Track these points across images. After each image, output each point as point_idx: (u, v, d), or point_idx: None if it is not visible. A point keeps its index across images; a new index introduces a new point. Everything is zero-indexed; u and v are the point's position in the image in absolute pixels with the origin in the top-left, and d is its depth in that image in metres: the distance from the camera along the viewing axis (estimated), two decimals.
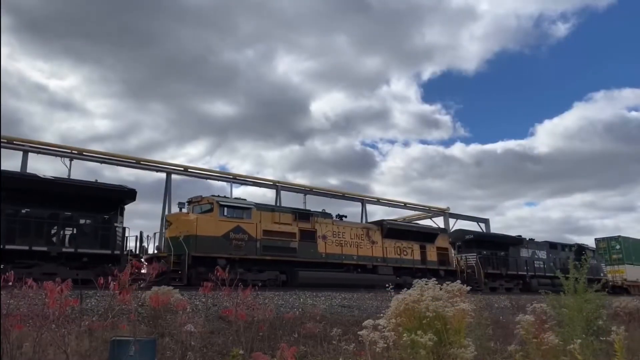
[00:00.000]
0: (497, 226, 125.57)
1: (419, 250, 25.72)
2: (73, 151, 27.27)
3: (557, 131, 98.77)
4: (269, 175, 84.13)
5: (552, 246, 33.88)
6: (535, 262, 31.75)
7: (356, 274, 22.36)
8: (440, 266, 26.16)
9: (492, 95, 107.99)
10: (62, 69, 79.39)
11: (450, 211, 44.45)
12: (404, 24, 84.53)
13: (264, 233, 20.06)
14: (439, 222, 43.24)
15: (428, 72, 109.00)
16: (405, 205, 42.77)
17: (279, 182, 35.54)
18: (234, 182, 33.23)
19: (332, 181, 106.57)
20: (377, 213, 57.09)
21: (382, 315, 6.20)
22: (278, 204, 33.38)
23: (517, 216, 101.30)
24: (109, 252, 16.30)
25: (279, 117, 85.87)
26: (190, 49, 74.07)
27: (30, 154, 25.80)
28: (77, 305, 9.13)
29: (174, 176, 31.00)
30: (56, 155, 26.79)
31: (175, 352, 8.34)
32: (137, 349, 5.92)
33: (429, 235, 27.04)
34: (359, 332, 6.02)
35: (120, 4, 68.46)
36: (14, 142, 25.73)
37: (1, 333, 4.04)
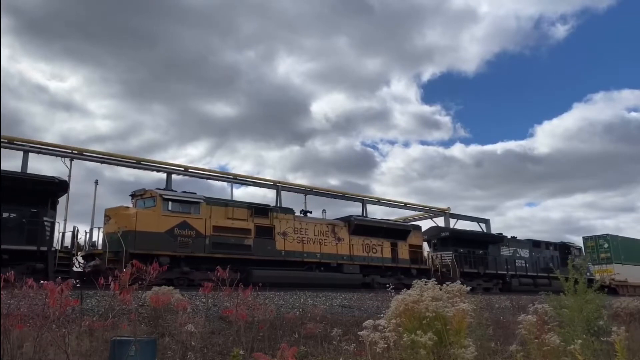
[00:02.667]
0: (498, 226, 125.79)
1: (389, 247, 24.63)
2: (73, 151, 27.18)
3: (556, 132, 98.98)
4: (270, 175, 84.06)
5: (535, 244, 32.70)
6: (516, 261, 30.59)
7: (318, 273, 21.24)
8: (412, 264, 25.07)
9: (492, 96, 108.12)
10: (63, 70, 79.50)
11: (451, 211, 44.41)
12: (404, 26, 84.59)
13: (214, 229, 18.88)
14: (439, 222, 43.19)
15: (428, 73, 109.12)
16: (405, 206, 42.68)
17: (279, 182, 35.47)
18: (234, 182, 33.16)
19: (333, 181, 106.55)
20: (377, 213, 57.11)
21: (382, 315, 6.20)
22: (279, 204, 33.38)
23: (518, 216, 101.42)
24: (34, 248, 14.92)
25: (279, 117, 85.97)
26: (191, 49, 74.14)
27: (30, 154, 25.74)
28: (77, 305, 9.13)
29: (174, 176, 30.89)
30: (56, 155, 26.73)
31: (176, 352, 8.34)
32: (138, 349, 5.92)
33: (400, 232, 25.88)
34: (359, 333, 6.02)
35: (120, 5, 68.52)
36: (15, 142, 25.68)
37: (1, 333, 4.03)
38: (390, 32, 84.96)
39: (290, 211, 22.27)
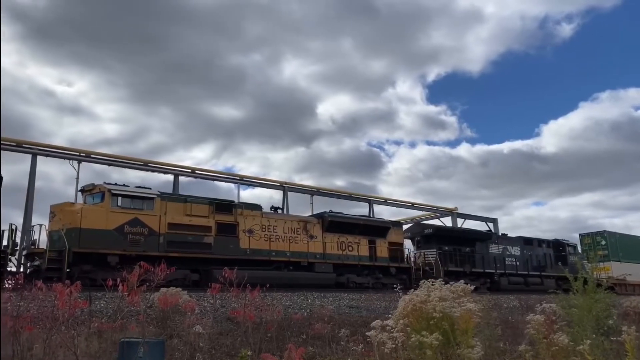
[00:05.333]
0: (505, 226, 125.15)
1: (366, 245, 23.39)
2: (81, 154, 27.41)
3: (563, 131, 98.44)
4: (276, 177, 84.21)
5: (526, 242, 31.43)
6: (506, 259, 29.34)
7: (286, 272, 20.04)
8: (391, 263, 23.90)
9: (498, 96, 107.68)
10: (71, 75, 79.98)
11: (459, 211, 44.29)
12: (410, 27, 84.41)
13: (169, 226, 17.68)
14: (447, 222, 43.10)
15: (433, 73, 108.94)
16: (412, 206, 42.63)
17: (285, 182, 35.54)
18: (241, 184, 33.25)
19: (339, 182, 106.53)
20: (384, 213, 57.02)
21: (390, 316, 6.19)
22: (285, 205, 33.39)
23: (525, 216, 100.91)
24: None
25: (285, 119, 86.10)
26: (198, 52, 74.35)
27: (39, 157, 25.98)
28: (86, 307, 9.18)
29: (181, 178, 31.07)
30: (64, 158, 26.96)
31: (184, 353, 8.37)
32: (146, 350, 5.94)
33: (379, 229, 24.53)
34: (367, 333, 6.01)
35: (126, 9, 68.85)
36: (23, 145, 25.92)
37: (1, 335, 4.03)
38: (395, 34, 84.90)
39: (257, 207, 21.00)
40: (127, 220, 16.89)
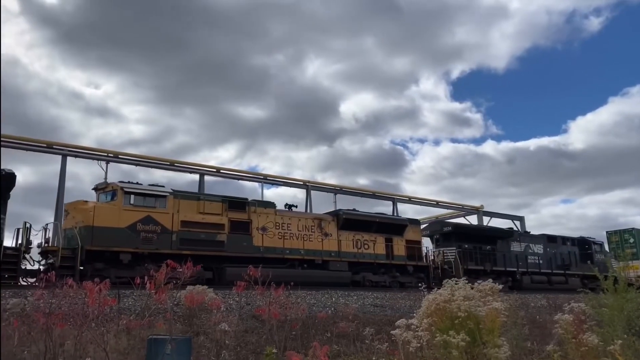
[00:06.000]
0: (533, 224, 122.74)
1: (383, 243, 22.98)
2: (109, 154, 27.98)
3: (591, 127, 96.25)
4: (299, 176, 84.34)
5: (550, 239, 30.61)
6: (528, 257, 28.61)
7: (300, 271, 19.60)
8: (409, 261, 23.44)
9: (524, 93, 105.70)
10: (98, 78, 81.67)
11: (485, 209, 43.72)
12: (433, 24, 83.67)
13: (182, 224, 17.65)
14: (472, 220, 42.61)
15: (457, 70, 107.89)
16: (437, 204, 42.27)
17: (309, 181, 35.63)
18: (265, 183, 33.48)
19: (362, 181, 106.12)
20: (408, 212, 56.61)
21: (414, 315, 6.16)
22: (308, 204, 33.47)
23: (553, 214, 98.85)
24: None
25: (308, 119, 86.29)
26: (222, 53, 75.10)
27: (68, 157, 26.61)
28: (115, 305, 9.37)
29: (206, 177, 31.46)
30: (93, 159, 27.57)
31: (210, 351, 8.47)
32: (174, 347, 6.02)
33: (396, 226, 24.08)
34: (391, 332, 6.00)
35: (150, 11, 69.89)
36: (53, 146, 26.58)
37: (47, 332, 4.16)
38: (418, 31, 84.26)
39: (270, 205, 20.90)
40: (140, 218, 16.88)
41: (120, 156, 28.68)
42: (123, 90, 79.58)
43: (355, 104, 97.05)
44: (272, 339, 9.20)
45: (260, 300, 10.97)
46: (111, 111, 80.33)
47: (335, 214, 22.82)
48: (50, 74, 75.78)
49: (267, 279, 9.48)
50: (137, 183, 18.05)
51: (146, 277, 7.42)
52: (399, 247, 23.49)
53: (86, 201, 17.23)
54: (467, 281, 6.16)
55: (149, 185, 18.40)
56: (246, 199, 20.51)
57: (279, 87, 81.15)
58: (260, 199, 21.07)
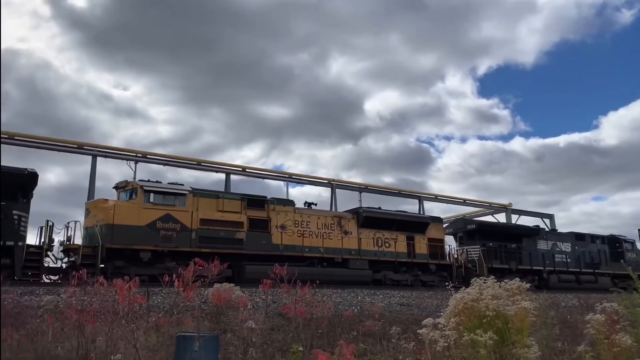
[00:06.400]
0: (563, 222, 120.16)
1: (404, 241, 22.72)
2: (137, 154, 28.49)
3: (624, 122, 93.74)
4: (323, 174, 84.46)
5: (578, 237, 29.85)
6: (556, 255, 27.92)
7: (320, 269, 19.42)
8: (431, 260, 23.07)
9: (553, 88, 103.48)
10: (126, 79, 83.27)
11: (513, 207, 43.00)
12: (459, 19, 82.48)
13: (201, 222, 17.73)
14: (501, 218, 41.95)
15: (484, 66, 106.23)
16: (464, 202, 41.76)
17: (333, 180, 35.62)
18: (290, 181, 33.62)
19: (387, 179, 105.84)
20: (434, 211, 56.14)
21: (441, 314, 6.11)
22: (333, 202, 33.46)
23: (584, 211, 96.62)
24: None
25: (332, 117, 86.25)
26: (247, 54, 75.62)
27: (98, 158, 27.19)
28: (144, 302, 9.54)
29: (232, 176, 31.74)
30: (122, 159, 28.11)
31: (238, 348, 8.55)
32: (202, 344, 6.09)
33: (418, 224, 23.80)
34: (418, 331, 5.95)
35: (177, 12, 70.83)
36: (84, 147, 27.20)
37: (81, 329, 4.26)
38: (444, 27, 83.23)
39: (289, 203, 20.94)
40: (159, 216, 17.00)
41: (148, 156, 29.17)
42: (151, 92, 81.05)
43: (380, 101, 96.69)
44: (299, 337, 9.23)
45: (286, 298, 11.02)
46: (139, 112, 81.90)
47: (355, 212, 22.70)
48: (80, 77, 77.66)
49: (293, 277, 9.50)
50: (157, 182, 18.21)
51: (174, 275, 7.53)
52: (421, 245, 23.28)
53: (106, 200, 17.49)
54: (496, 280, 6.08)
55: (169, 183, 18.55)
56: (265, 196, 20.49)
57: (303, 86, 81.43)
58: (278, 197, 21.08)
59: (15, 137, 25.27)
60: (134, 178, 24.74)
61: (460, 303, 5.71)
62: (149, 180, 18.03)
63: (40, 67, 72.80)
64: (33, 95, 69.83)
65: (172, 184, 18.66)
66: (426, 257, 23.19)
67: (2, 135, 24.95)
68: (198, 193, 18.53)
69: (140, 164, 28.06)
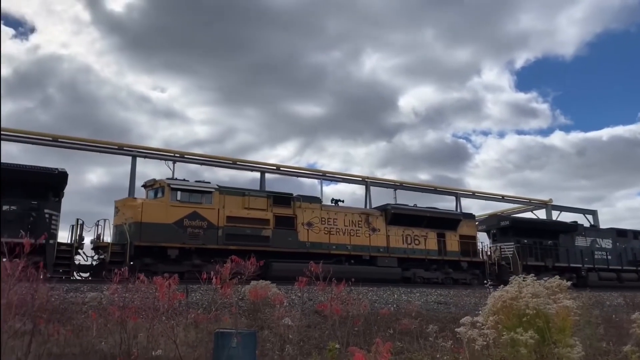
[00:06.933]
0: (606, 218, 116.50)
1: (435, 238, 22.36)
2: (175, 154, 29.10)
3: None
4: (357, 172, 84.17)
5: (620, 234, 28.60)
6: (595, 252, 26.88)
7: (347, 267, 19.18)
8: (463, 257, 22.57)
9: (595, 80, 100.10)
10: (163, 81, 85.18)
11: (553, 203, 41.84)
12: (496, 12, 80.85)
13: (227, 219, 17.83)
14: (541, 214, 40.89)
15: (522, 59, 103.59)
16: (503, 198, 40.88)
17: (368, 177, 35.46)
18: (324, 179, 33.68)
19: (423, 176, 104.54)
20: (472, 208, 55.13)
21: (479, 312, 6.01)
22: (367, 200, 33.33)
23: (629, 207, 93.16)
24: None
25: (366, 114, 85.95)
26: (280, 53, 76.11)
27: (138, 158, 27.90)
28: (183, 299, 9.73)
29: (267, 175, 32.03)
30: (160, 159, 28.78)
31: (275, 345, 8.62)
32: (239, 340, 6.17)
33: (449, 221, 23.37)
34: (456, 329, 5.88)
35: (211, 15, 71.87)
36: (124, 148, 27.97)
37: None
38: (480, 20, 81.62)
39: (316, 200, 20.86)
40: (187, 214, 17.18)
41: (186, 156, 29.75)
42: (187, 93, 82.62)
43: (415, 97, 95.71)
44: (335, 334, 9.25)
45: (322, 296, 11.05)
46: (177, 113, 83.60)
47: (384, 209, 22.46)
48: (119, 79, 79.84)
49: (328, 275, 9.51)
50: (184, 180, 18.44)
51: (212, 272, 7.66)
52: (452, 243, 22.90)
53: (135, 198, 17.94)
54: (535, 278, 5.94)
55: (195, 181, 18.75)
56: (291, 194, 20.50)
57: (336, 84, 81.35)
58: (304, 194, 20.93)
59: (59, 139, 26.22)
60: (172, 177, 25.26)
61: (499, 301, 5.61)
62: (176, 179, 18.32)
63: (81, 71, 75.26)
64: (75, 99, 72.29)
65: (198, 181, 18.81)
66: (458, 255, 22.82)
67: (46, 138, 25.96)
68: (224, 190, 18.68)
69: (178, 164, 28.66)
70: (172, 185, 17.52)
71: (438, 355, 7.54)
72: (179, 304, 8.59)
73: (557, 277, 6.09)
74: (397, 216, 21.89)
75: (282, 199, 19.65)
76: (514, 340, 5.05)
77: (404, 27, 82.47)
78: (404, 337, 10.03)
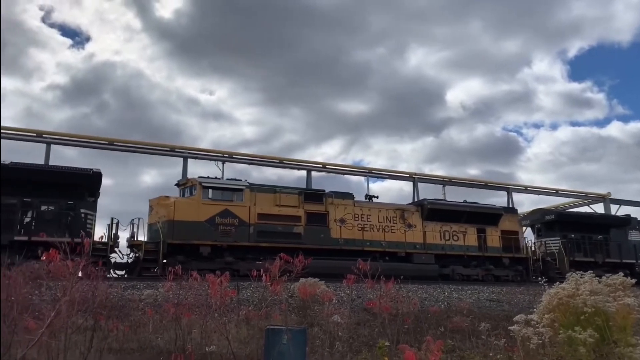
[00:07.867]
0: None
1: (475, 234, 21.66)
2: (224, 155, 29.71)
3: None
4: (404, 168, 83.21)
5: None
6: None
7: (382, 263, 18.41)
8: (504, 253, 21.77)
9: None
10: (211, 84, 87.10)
11: (612, 196, 39.98)
12: (546, 1, 77.90)
13: (259, 217, 17.86)
14: (598, 209, 39.16)
15: (575, 48, 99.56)
16: (557, 192, 39.41)
17: (415, 173, 34.99)
18: (370, 177, 33.47)
19: (472, 171, 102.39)
20: (525, 203, 53.46)
21: (533, 310, 5.84)
22: (415, 197, 32.90)
23: None
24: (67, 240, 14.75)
25: (411, 110, 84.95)
26: (324, 51, 76.35)
27: (189, 159, 28.67)
28: (235, 296, 9.93)
29: (313, 173, 32.18)
30: (210, 160, 29.44)
31: (324, 342, 8.67)
32: (290, 337, 6.24)
33: (489, 216, 22.55)
34: (509, 328, 5.74)
35: (254, 17, 72.84)
36: (176, 149, 28.81)
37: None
38: (529, 9, 78.99)
39: (348, 196, 20.39)
40: (218, 211, 17.33)
41: (234, 156, 30.32)
42: (234, 95, 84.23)
43: (463, 91, 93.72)
44: (384, 332, 9.20)
45: (371, 293, 11.01)
46: (225, 115, 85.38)
47: (420, 204, 22.06)
48: (169, 84, 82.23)
49: (377, 272, 9.46)
50: (216, 178, 18.69)
51: (262, 270, 7.78)
52: (493, 238, 22.24)
53: (167, 196, 18.09)
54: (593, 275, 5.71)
55: (227, 179, 19.00)
56: (323, 190, 20.39)
57: (381, 80, 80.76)
58: (337, 191, 20.66)
59: (115, 143, 27.29)
60: (222, 177, 25.85)
61: (555, 299, 5.43)
62: (208, 177, 18.51)
63: (133, 77, 78.03)
64: (129, 104, 75.02)
65: (230, 179, 19.01)
66: (499, 251, 22.15)
67: (102, 142, 27.08)
68: (255, 188, 18.75)
69: (227, 164, 29.24)
70: (203, 184, 17.71)
71: (491, 354, 7.37)
72: (230, 301, 8.77)
73: (610, 274, 5.82)
74: (434, 211, 21.50)
75: (314, 196, 19.60)
76: (571, 338, 4.88)
77: (449, 20, 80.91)
78: (455, 335, 9.86)
